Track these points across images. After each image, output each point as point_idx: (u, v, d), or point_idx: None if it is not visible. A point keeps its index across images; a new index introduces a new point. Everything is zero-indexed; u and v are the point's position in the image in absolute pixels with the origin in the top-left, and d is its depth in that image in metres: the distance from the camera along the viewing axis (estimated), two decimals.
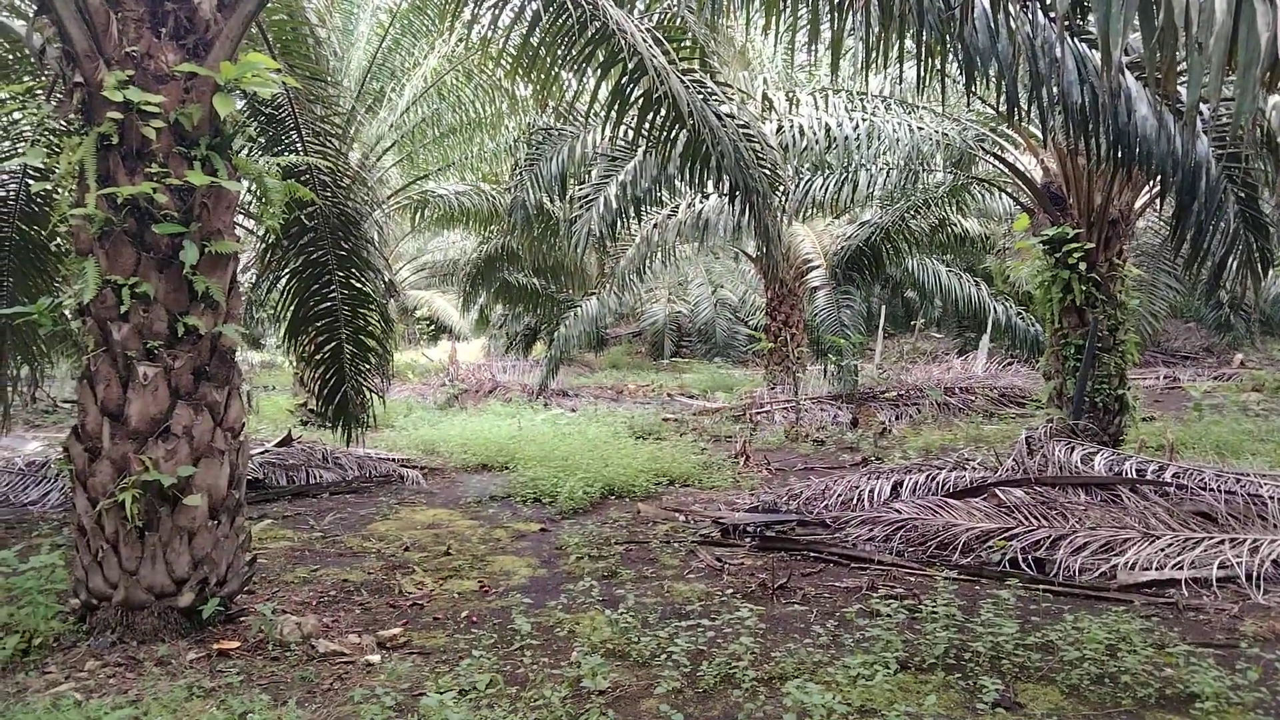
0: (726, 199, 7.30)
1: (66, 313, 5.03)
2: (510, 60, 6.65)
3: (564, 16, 5.72)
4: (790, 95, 10.64)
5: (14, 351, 8.76)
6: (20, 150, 7.94)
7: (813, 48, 6.27)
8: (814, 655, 4.13)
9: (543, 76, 6.42)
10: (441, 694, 3.57)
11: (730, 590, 5.26)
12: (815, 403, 13.17)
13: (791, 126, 10.06)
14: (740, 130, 7.06)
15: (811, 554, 6.06)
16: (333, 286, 7.77)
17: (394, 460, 9.64)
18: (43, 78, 6.41)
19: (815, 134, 9.97)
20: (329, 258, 7.66)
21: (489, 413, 13.62)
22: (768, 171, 7.60)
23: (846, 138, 9.91)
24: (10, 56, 7.17)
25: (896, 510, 6.55)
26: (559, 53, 6.10)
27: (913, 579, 5.49)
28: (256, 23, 6.13)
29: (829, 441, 11.06)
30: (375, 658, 4.26)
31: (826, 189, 12.14)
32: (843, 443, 10.91)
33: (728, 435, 11.53)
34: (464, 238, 22.76)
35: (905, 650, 4.15)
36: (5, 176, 8.22)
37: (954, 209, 14.30)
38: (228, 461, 4.70)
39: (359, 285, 7.87)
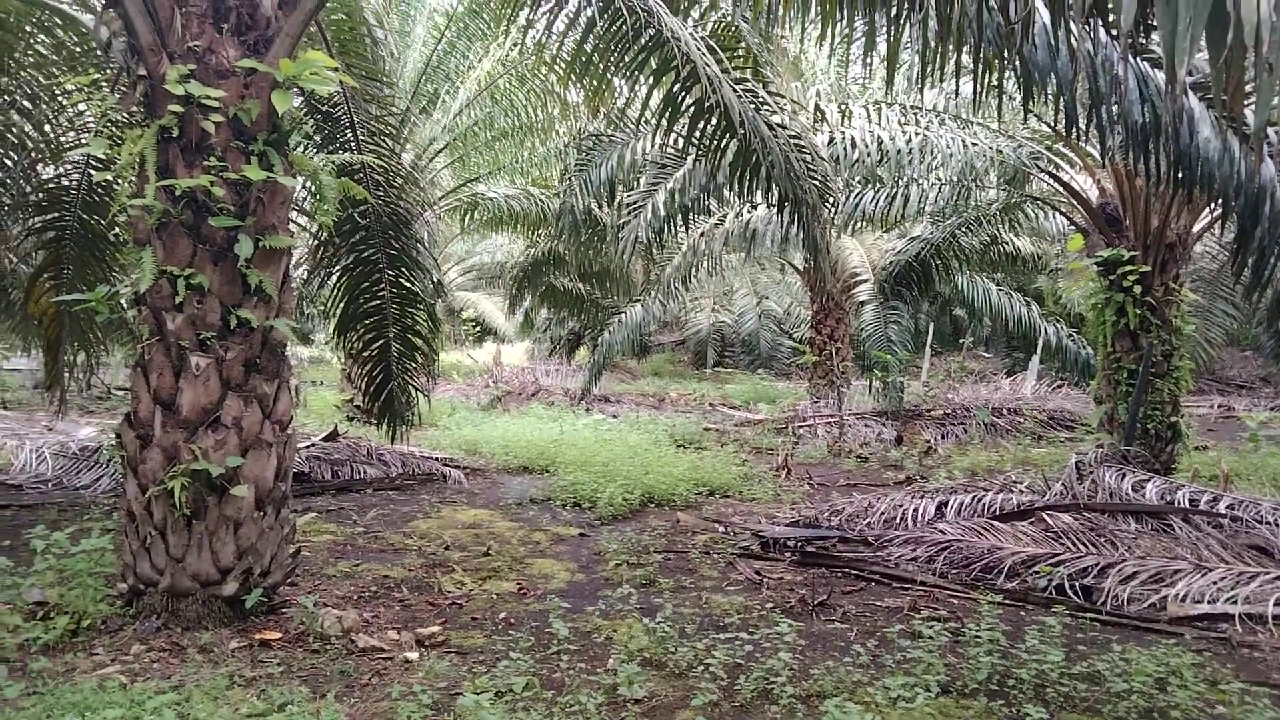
0: (775, 210, 7.27)
1: (123, 302, 5.11)
2: (563, 66, 6.69)
3: (618, 23, 5.73)
4: (843, 107, 10.58)
5: (71, 338, 8.96)
6: (84, 141, 8.14)
7: (867, 60, 6.22)
8: (853, 674, 4.07)
9: (595, 82, 6.45)
10: (478, 695, 3.56)
11: (769, 605, 5.20)
12: (859, 418, 13.04)
13: (843, 138, 10.00)
14: (791, 141, 7.02)
15: (852, 572, 5.98)
16: (382, 285, 7.85)
17: (437, 459, 9.70)
18: (108, 70, 6.56)
19: (867, 147, 9.90)
20: (380, 256, 7.74)
21: (531, 416, 13.67)
22: (818, 183, 7.57)
23: (899, 151, 9.82)
24: (78, 49, 7.35)
25: (941, 531, 6.45)
26: (612, 59, 6.13)
27: (956, 601, 5.39)
28: (315, 21, 6.20)
29: (872, 458, 10.94)
30: (414, 655, 4.27)
31: (877, 203, 12.05)
32: (887, 460, 10.79)
33: (769, 448, 11.45)
34: (512, 241, 22.91)
35: (947, 674, 4.07)
36: (69, 166, 8.43)
37: (1006, 227, 14.10)
38: (275, 454, 4.75)
39: (408, 285, 7.95)
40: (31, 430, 10.48)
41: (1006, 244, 16.04)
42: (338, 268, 7.89)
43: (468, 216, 16.14)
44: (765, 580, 5.79)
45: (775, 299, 26.16)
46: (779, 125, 6.91)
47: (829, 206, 10.34)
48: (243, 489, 4.53)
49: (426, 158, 13.91)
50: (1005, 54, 4.75)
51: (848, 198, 12.31)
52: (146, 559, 4.54)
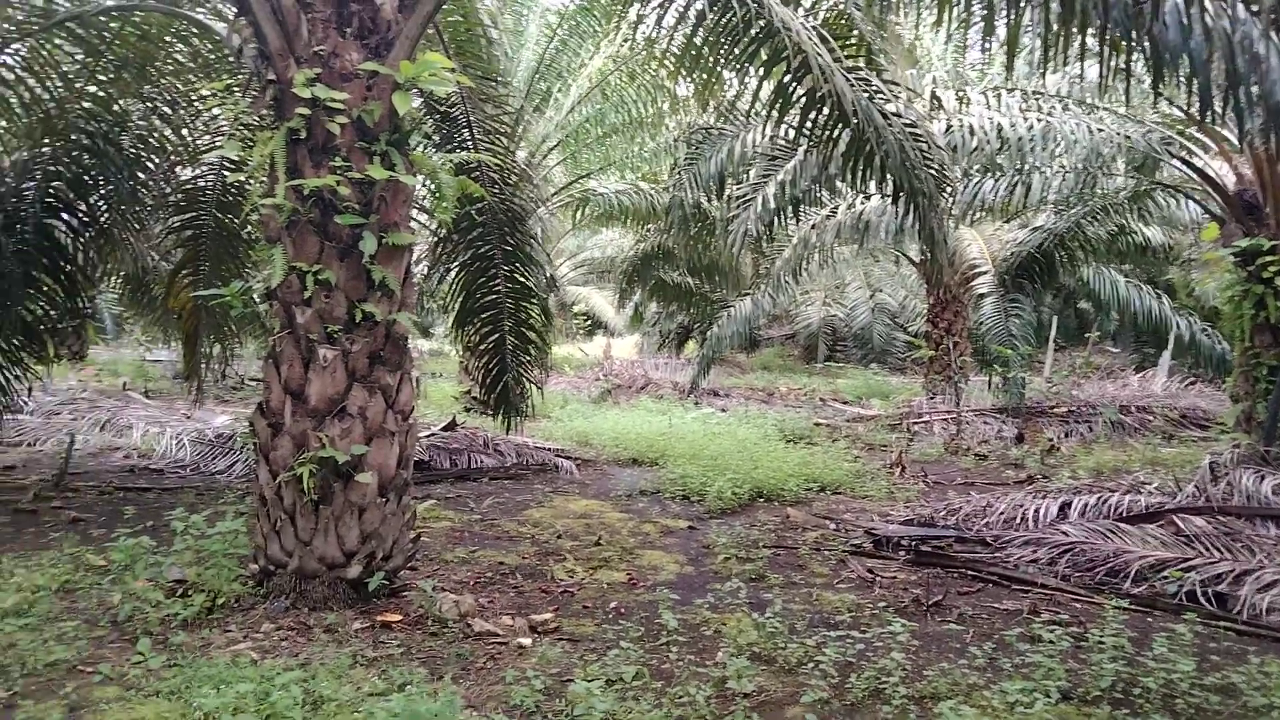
0: (889, 200, 7.13)
1: (255, 296, 5.35)
2: (673, 60, 6.69)
3: (728, 16, 5.71)
4: (960, 94, 10.31)
5: (207, 331, 9.46)
6: (219, 143, 8.57)
7: (986, 44, 6.03)
8: (969, 677, 3.97)
9: (705, 76, 6.45)
10: (589, 682, 3.62)
11: (882, 603, 5.12)
12: (978, 415, 12.67)
13: (961, 126, 9.74)
14: (906, 130, 6.88)
15: (969, 572, 5.83)
16: (498, 280, 8.03)
17: (550, 450, 9.87)
18: (240, 76, 6.89)
19: (986, 134, 9.63)
20: (495, 252, 7.92)
21: (640, 409, 13.76)
22: (934, 172, 7.39)
23: (1019, 138, 9.52)
24: (212, 56, 7.74)
25: (1063, 532, 6.22)
26: (722, 52, 6.12)
27: (1078, 605, 5.20)
28: (433, 23, 6.38)
29: (992, 457, 10.62)
30: (527, 641, 4.36)
31: (997, 192, 11.70)
32: (1006, 459, 10.46)
33: (883, 444, 11.25)
34: (622, 235, 23.07)
35: (1069, 680, 3.94)
36: (205, 168, 8.90)
37: (1135, 216, 13.49)
38: (397, 442, 4.91)
39: (522, 279, 8.11)
40: (172, 418, 11.10)
41: (1135, 234, 15.34)
42: (456, 263, 8.11)
43: (579, 212, 16.35)
44: (878, 579, 5.70)
45: (889, 291, 25.61)
46: (893, 114, 6.77)
47: (946, 196, 10.08)
48: (367, 476, 4.70)
49: (540, 155, 14.14)
50: (1133, 35, 4.54)
51: (966, 187, 11.98)
52: (276, 542, 4.76)
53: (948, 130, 9.66)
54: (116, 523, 5.72)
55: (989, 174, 11.59)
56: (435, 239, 8.25)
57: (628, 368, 20.05)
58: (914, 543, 6.35)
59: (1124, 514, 6.47)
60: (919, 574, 5.81)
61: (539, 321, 8.51)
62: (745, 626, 4.56)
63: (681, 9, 6.23)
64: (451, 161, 5.59)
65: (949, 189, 9.98)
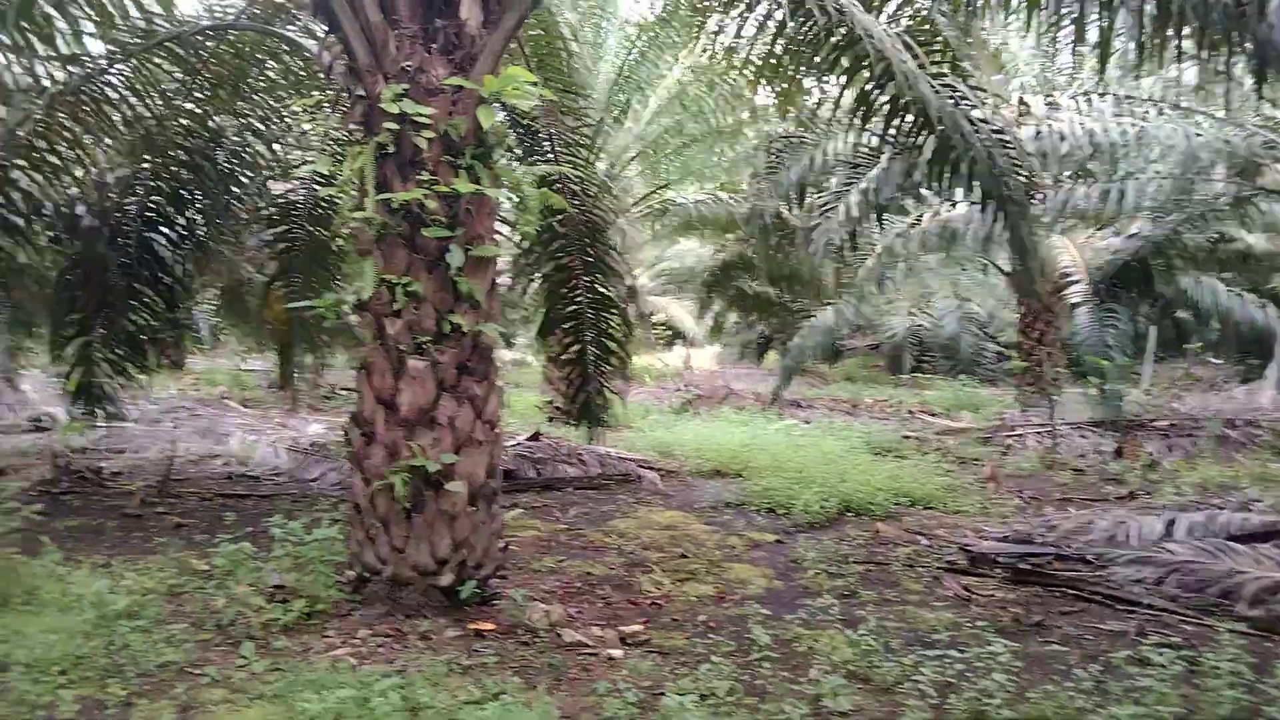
0: (977, 208, 6.97)
1: (346, 308, 5.46)
2: (753, 69, 6.66)
3: (809, 24, 5.66)
4: (1049, 99, 10.06)
5: (300, 341, 9.72)
6: (310, 158, 8.81)
7: (1076, 48, 5.85)
8: (1076, 700, 3.80)
9: (785, 84, 6.41)
10: (682, 696, 3.58)
11: (980, 622, 4.93)
12: (1073, 428, 12.23)
13: (1050, 131, 9.51)
14: (994, 135, 6.74)
15: (1071, 591, 5.60)
16: (579, 290, 8.06)
17: (633, 460, 9.82)
18: (329, 92, 7.06)
19: (1077, 139, 9.38)
20: (576, 263, 7.97)
21: (722, 420, 13.65)
22: (1023, 179, 7.22)
23: (1112, 144, 9.27)
24: (303, 73, 7.96)
25: (1169, 551, 5.94)
26: (802, 60, 6.07)
27: (1189, 628, 4.96)
28: (515, 38, 6.45)
29: (1089, 471, 10.24)
30: (617, 652, 4.34)
31: (1089, 199, 11.39)
32: (1105, 474, 10.07)
33: (974, 458, 10.95)
34: (701, 245, 23.05)
35: (1183, 706, 3.74)
36: (296, 182, 9.16)
37: (1236, 222, 12.98)
38: (486, 451, 4.93)
39: (603, 290, 8.13)
40: (267, 426, 11.40)
41: (1236, 241, 14.77)
42: (538, 275, 8.18)
43: (658, 222, 16.38)
44: (974, 597, 5.52)
45: (978, 301, 24.95)
46: (980, 120, 6.64)
47: (1036, 203, 9.82)
48: (458, 484, 4.73)
49: (619, 166, 14.22)
50: (1235, 36, 4.37)
51: (1056, 194, 11.68)
52: (371, 549, 4.82)
53: (1037, 136, 9.45)
54: (218, 529, 5.88)
55: (1081, 180, 11.28)
56: (518, 250, 8.33)
57: (708, 378, 19.96)
58: (1011, 560, 6.15)
59: (1235, 533, 6.16)
60: (1017, 592, 5.63)
61: (620, 331, 8.51)
62: (839, 643, 4.45)
63: (761, 18, 6.21)
64: (534, 174, 5.63)
65: (1039, 196, 9.73)
